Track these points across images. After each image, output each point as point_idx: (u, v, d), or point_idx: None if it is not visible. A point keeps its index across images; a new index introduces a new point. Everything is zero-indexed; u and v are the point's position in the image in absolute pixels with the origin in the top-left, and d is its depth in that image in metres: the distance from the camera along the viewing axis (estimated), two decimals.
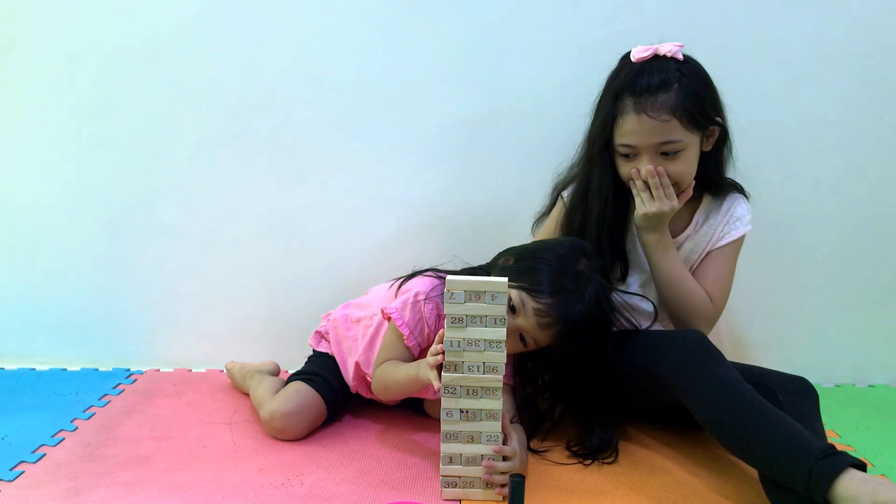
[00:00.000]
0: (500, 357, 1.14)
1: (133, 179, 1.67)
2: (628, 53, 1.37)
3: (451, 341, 1.14)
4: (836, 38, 1.61)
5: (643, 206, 1.35)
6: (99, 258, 1.70)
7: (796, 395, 1.23)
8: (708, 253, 1.45)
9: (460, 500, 1.18)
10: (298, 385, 1.41)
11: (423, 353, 1.32)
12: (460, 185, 1.68)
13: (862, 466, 1.03)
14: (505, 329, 1.14)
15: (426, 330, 1.33)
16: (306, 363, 1.51)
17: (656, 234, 1.37)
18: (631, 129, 1.32)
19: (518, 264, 1.29)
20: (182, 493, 1.17)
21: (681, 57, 1.34)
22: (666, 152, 1.32)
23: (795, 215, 1.68)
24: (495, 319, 1.13)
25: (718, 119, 1.37)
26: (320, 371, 1.45)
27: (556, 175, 1.51)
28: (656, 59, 1.34)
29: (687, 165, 1.34)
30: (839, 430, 1.48)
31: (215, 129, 1.65)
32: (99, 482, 1.20)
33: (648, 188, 1.34)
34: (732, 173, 1.46)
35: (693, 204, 1.44)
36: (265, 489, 1.19)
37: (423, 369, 1.20)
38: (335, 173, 1.68)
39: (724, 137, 1.40)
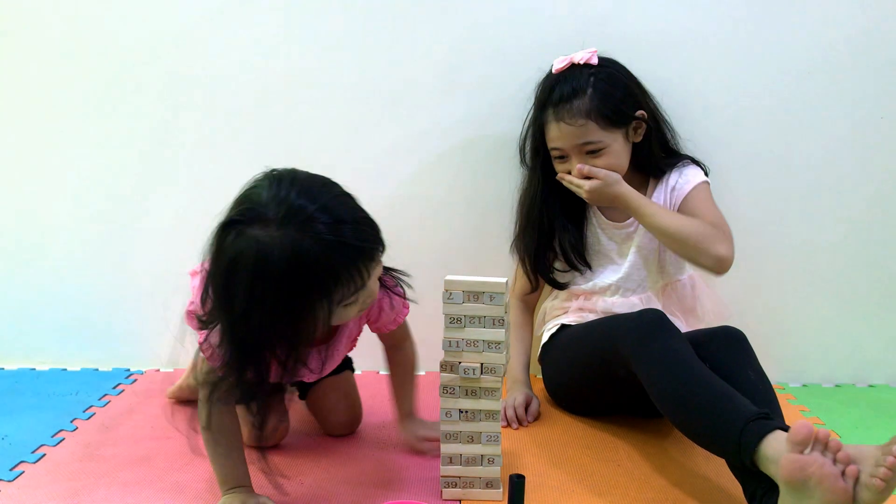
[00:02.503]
0: (498, 358, 1.14)
1: (133, 179, 1.67)
2: (552, 66, 1.48)
3: (450, 341, 1.14)
4: (835, 38, 1.61)
5: (581, 188, 1.43)
6: (99, 258, 1.69)
7: (721, 347, 1.27)
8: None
9: (460, 500, 1.18)
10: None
11: None
12: (461, 185, 1.68)
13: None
14: (503, 330, 1.14)
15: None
16: None
17: (621, 199, 1.42)
18: (555, 135, 1.45)
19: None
20: (182, 493, 1.17)
21: (595, 61, 1.44)
22: (590, 151, 1.43)
23: (795, 214, 1.68)
24: (494, 320, 1.13)
25: (640, 113, 1.45)
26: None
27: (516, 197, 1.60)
28: (572, 68, 1.45)
29: (614, 159, 1.44)
30: (839, 430, 1.48)
31: (215, 129, 1.64)
32: (99, 482, 1.21)
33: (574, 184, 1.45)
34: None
35: (640, 190, 1.48)
36: (265, 489, 1.18)
37: None
38: (334, 173, 1.67)
39: (651, 127, 1.48)
